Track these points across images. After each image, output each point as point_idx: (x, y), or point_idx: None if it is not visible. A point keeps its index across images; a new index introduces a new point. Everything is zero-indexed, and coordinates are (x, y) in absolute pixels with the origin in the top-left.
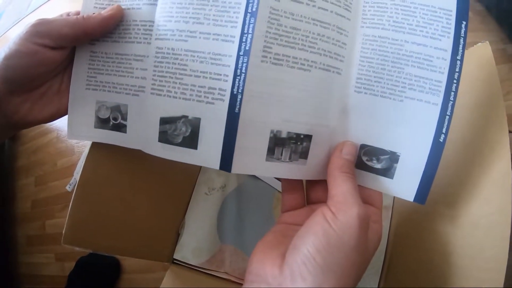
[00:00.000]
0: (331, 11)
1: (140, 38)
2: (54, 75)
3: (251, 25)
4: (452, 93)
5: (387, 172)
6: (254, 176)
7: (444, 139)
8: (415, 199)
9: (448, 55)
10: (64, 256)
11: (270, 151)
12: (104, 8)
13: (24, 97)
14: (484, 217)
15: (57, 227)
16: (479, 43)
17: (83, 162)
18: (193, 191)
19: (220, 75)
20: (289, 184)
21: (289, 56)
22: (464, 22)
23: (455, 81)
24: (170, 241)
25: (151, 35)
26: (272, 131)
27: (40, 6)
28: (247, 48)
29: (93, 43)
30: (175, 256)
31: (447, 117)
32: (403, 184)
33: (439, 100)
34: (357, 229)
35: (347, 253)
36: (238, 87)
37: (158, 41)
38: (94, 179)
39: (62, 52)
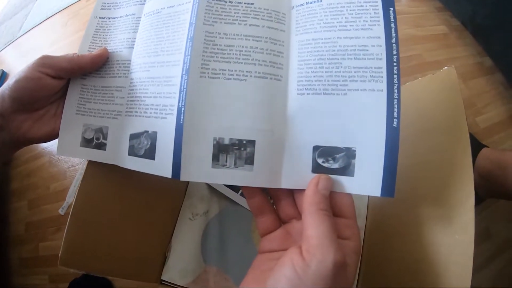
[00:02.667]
0: (263, 26)
1: (120, 73)
2: (52, 101)
3: (190, 48)
4: (395, 75)
5: (346, 170)
6: (234, 202)
7: (398, 124)
8: (382, 193)
9: (382, 41)
10: (57, 278)
11: (215, 158)
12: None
13: (26, 116)
14: (447, 236)
15: (50, 249)
16: (445, 68)
17: (76, 187)
18: (178, 217)
19: (170, 93)
20: (257, 208)
21: (225, 70)
22: (392, 8)
23: (395, 63)
24: (157, 263)
25: (128, 70)
26: (215, 138)
27: (32, 28)
28: (187, 67)
29: (84, 78)
30: (162, 277)
31: (395, 100)
32: (367, 179)
33: (383, 85)
34: (331, 278)
35: None
36: (182, 101)
37: (132, 73)
38: (87, 207)
39: (60, 81)
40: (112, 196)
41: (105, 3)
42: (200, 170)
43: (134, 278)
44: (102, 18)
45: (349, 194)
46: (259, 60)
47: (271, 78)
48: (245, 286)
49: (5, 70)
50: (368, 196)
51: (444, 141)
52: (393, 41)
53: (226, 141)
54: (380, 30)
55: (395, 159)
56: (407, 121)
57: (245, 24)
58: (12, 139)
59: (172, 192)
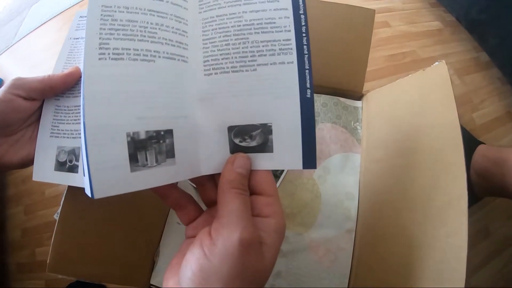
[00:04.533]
0: (167, 1)
1: None
2: (28, 125)
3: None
4: (305, 46)
5: (265, 146)
6: None
7: (311, 94)
8: (304, 166)
9: (290, 13)
10: (53, 283)
11: (133, 159)
12: None
13: (1, 141)
14: (438, 239)
15: (46, 254)
16: (436, 63)
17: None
18: (166, 222)
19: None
20: (175, 204)
21: (130, 49)
22: None
23: (304, 34)
24: (146, 268)
25: None
26: (128, 134)
27: (27, 34)
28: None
29: (58, 99)
30: (151, 282)
31: (307, 71)
32: (286, 154)
33: (293, 57)
34: (238, 256)
35: (227, 283)
36: (82, 93)
37: None
38: (74, 214)
39: (33, 103)
40: (99, 201)
41: (79, 24)
42: (118, 179)
43: (123, 283)
44: (76, 38)
45: (269, 171)
46: (166, 39)
47: (178, 60)
48: (169, 271)
49: (0, 77)
50: (359, 199)
51: (436, 139)
52: (301, 12)
53: (142, 135)
54: (287, 2)
55: (312, 130)
56: (398, 119)
57: None
58: None
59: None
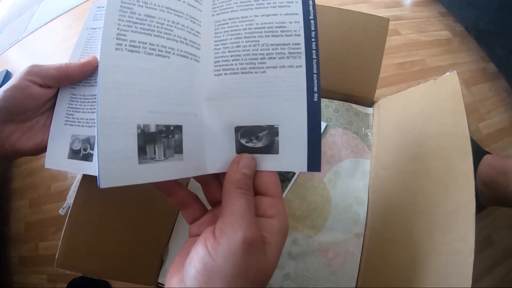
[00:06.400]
0: (184, 1)
1: None
2: (42, 112)
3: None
4: (313, 51)
5: (271, 148)
6: None
7: (318, 98)
8: (309, 168)
9: (300, 18)
10: (56, 278)
11: (142, 151)
12: None
13: (15, 127)
14: (446, 244)
15: (49, 249)
16: (447, 73)
17: (76, 188)
18: (176, 220)
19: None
20: (181, 203)
21: (146, 43)
22: None
23: (313, 39)
24: (155, 266)
25: None
26: (139, 126)
27: (37, 29)
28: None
29: (74, 87)
30: (159, 280)
31: (315, 75)
32: (292, 156)
33: (302, 61)
34: (241, 255)
35: (230, 281)
36: (98, 82)
37: None
38: (84, 210)
39: (48, 91)
40: (110, 198)
41: (96, 15)
42: (125, 170)
43: (131, 280)
44: (94, 28)
45: (274, 173)
46: (180, 37)
47: (191, 58)
48: (173, 268)
49: (9, 70)
50: (368, 204)
51: (445, 147)
52: (311, 17)
53: (152, 129)
54: (298, 7)
55: (318, 134)
56: (408, 127)
57: None
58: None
59: None
